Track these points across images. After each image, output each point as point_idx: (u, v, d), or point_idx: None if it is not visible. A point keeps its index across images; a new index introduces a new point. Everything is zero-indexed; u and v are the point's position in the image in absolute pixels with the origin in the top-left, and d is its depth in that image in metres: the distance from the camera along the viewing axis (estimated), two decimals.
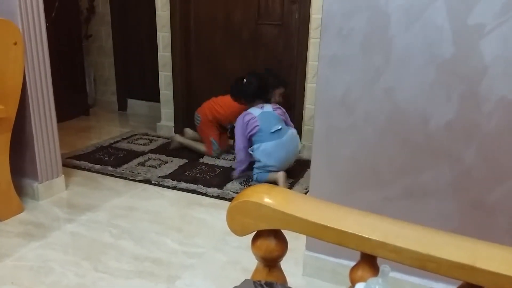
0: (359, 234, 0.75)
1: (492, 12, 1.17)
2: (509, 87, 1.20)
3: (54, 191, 2.27)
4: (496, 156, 1.27)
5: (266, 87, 2.65)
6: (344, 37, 1.37)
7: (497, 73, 1.21)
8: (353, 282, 0.77)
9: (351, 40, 1.36)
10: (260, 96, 2.60)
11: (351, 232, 0.76)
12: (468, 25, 1.20)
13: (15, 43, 1.93)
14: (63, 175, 2.32)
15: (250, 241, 0.89)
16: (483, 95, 1.24)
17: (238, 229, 0.90)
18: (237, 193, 2.28)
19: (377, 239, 0.73)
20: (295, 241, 1.81)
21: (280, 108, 2.60)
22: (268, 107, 2.53)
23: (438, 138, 1.32)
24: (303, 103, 2.93)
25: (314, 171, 1.54)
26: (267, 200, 0.86)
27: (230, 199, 2.22)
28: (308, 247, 1.62)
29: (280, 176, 2.40)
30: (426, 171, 1.37)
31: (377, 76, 1.36)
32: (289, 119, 2.63)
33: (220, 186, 2.41)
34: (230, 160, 2.82)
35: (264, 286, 0.85)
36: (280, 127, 2.45)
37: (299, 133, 2.87)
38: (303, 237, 1.75)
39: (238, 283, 0.84)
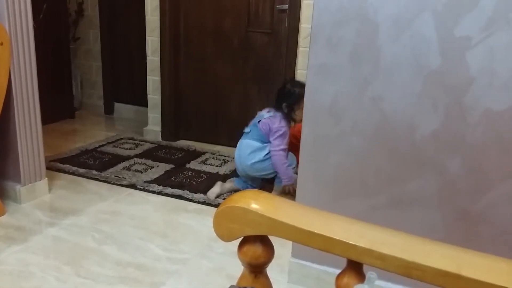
0: (346, 240, 0.75)
1: (479, 25, 1.20)
2: (494, 99, 1.22)
3: (37, 194, 2.22)
4: (481, 166, 1.29)
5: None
6: (333, 46, 1.38)
7: (482, 85, 1.23)
8: None
9: (340, 50, 1.38)
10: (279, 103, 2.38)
11: (338, 238, 0.76)
12: (455, 37, 1.23)
13: (1, 44, 1.90)
14: (46, 178, 2.28)
15: (236, 247, 0.89)
16: (468, 106, 1.26)
17: (224, 235, 0.90)
18: (223, 199, 2.27)
19: (363, 246, 0.73)
20: (281, 248, 1.80)
21: (273, 121, 2.33)
22: (266, 114, 2.39)
23: (424, 148, 1.34)
24: None
25: (301, 179, 1.54)
26: (254, 206, 0.86)
27: (216, 205, 2.20)
28: (294, 254, 1.62)
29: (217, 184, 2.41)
30: (412, 180, 1.38)
31: (365, 86, 1.37)
32: (277, 136, 2.31)
33: (206, 192, 2.39)
34: (217, 166, 2.81)
35: None
36: (248, 130, 2.40)
37: None
38: (288, 245, 1.74)
39: None
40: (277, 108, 2.38)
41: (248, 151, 2.35)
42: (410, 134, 1.34)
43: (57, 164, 2.67)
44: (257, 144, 2.35)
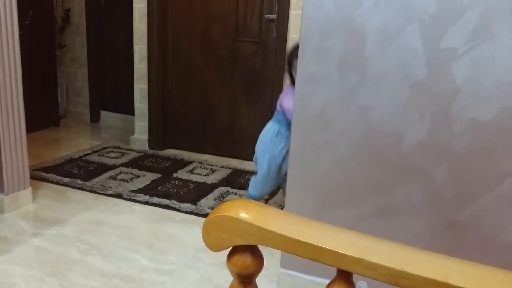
0: (335, 250, 0.74)
1: (463, 37, 1.22)
2: (479, 109, 1.25)
3: (20, 203, 2.17)
4: (466, 176, 1.31)
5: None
6: (321, 56, 1.39)
7: (467, 95, 1.25)
8: None
9: (328, 59, 1.39)
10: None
11: (327, 247, 0.75)
12: (441, 49, 1.25)
13: None
14: (30, 188, 2.23)
15: (223, 258, 0.88)
16: (454, 116, 1.28)
17: (213, 245, 0.89)
18: (211, 208, 2.25)
19: (353, 255, 0.73)
20: (269, 258, 1.79)
21: (282, 98, 2.09)
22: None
23: (410, 157, 1.35)
24: None
25: (290, 187, 1.54)
26: (243, 215, 0.85)
27: (204, 215, 2.19)
28: (283, 265, 1.61)
29: None
30: (399, 188, 1.39)
31: (353, 95, 1.38)
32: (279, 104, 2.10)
33: (194, 202, 2.37)
34: (204, 175, 2.79)
35: None
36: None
37: None
38: (277, 255, 1.74)
39: None
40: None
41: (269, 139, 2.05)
42: (397, 143, 1.36)
43: (41, 173, 2.62)
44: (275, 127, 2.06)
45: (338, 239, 0.79)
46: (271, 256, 1.80)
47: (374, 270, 0.71)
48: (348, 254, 0.73)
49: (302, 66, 1.43)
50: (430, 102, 1.29)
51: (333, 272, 0.79)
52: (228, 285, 0.91)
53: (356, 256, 0.73)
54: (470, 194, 1.31)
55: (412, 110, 1.32)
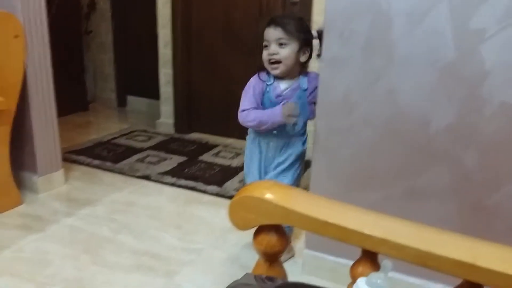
0: (361, 230, 0.76)
1: (494, 17, 1.19)
2: (510, 92, 1.22)
3: (53, 185, 2.27)
4: (495, 160, 1.29)
5: None
6: (345, 39, 1.38)
7: (497, 78, 1.22)
8: (354, 279, 0.78)
9: (352, 42, 1.38)
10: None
11: (353, 228, 0.77)
12: (470, 30, 1.22)
13: (16, 36, 1.93)
14: (62, 169, 2.32)
15: (249, 239, 0.91)
16: (483, 99, 1.25)
17: (239, 224, 0.91)
18: (236, 191, 2.29)
19: (379, 235, 0.74)
20: (294, 240, 1.83)
21: None
22: None
23: (438, 140, 1.34)
24: None
25: (314, 171, 1.55)
26: (268, 196, 0.87)
27: (229, 197, 2.23)
28: (308, 246, 1.64)
29: None
30: (426, 172, 1.38)
31: (378, 78, 1.37)
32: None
33: (219, 184, 2.42)
34: (229, 158, 2.83)
35: (265, 280, 0.86)
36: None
37: None
38: (301, 237, 1.76)
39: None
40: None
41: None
42: (424, 126, 1.34)
43: (72, 156, 2.71)
44: None
45: (363, 220, 0.80)
46: (296, 239, 1.83)
47: (401, 251, 0.72)
48: (374, 234, 0.75)
49: (325, 50, 1.42)
50: (459, 85, 1.27)
51: (359, 253, 0.80)
52: (254, 264, 0.95)
53: (382, 236, 0.74)
54: (498, 178, 1.30)
55: (439, 93, 1.30)
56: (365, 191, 1.48)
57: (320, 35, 1.51)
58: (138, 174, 2.51)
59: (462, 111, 1.29)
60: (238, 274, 0.88)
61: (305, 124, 1.64)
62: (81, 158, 2.70)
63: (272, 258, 0.93)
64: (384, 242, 0.73)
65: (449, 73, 1.28)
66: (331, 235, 0.79)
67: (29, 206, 2.09)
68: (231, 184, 2.43)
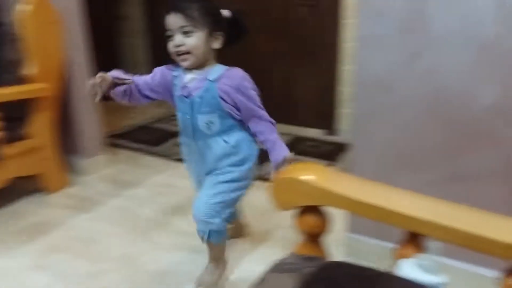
0: (407, 212, 0.75)
1: None
2: None
3: (98, 167, 2.38)
4: None
5: None
6: (381, 16, 1.35)
7: None
8: (397, 261, 0.78)
9: (388, 20, 1.35)
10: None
11: (399, 210, 0.77)
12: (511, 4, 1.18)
13: (53, 22, 1.96)
14: (106, 152, 2.42)
15: (292, 217, 0.93)
16: None
17: (281, 205, 0.94)
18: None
19: (427, 218, 0.73)
20: (334, 223, 1.83)
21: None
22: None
23: (482, 120, 1.30)
24: (335, 86, 2.91)
25: (355, 154, 1.55)
26: (309, 177, 0.88)
27: (268, 180, 2.25)
28: (349, 229, 1.65)
29: None
30: (472, 154, 1.34)
31: (417, 57, 1.34)
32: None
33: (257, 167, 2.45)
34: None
35: (309, 259, 0.89)
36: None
37: (333, 117, 2.84)
38: (341, 221, 1.77)
39: None
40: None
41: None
42: (466, 106, 1.31)
43: (113, 140, 2.82)
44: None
45: (407, 202, 0.80)
46: (336, 222, 1.84)
47: (450, 234, 0.71)
48: (420, 216, 0.74)
49: (361, 28, 1.40)
50: (502, 62, 1.23)
51: (401, 235, 0.80)
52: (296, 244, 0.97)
53: (429, 219, 0.73)
54: None
55: (482, 71, 1.27)
56: (407, 173, 1.46)
57: (235, 16, 1.37)
58: (176, 157, 2.58)
59: (506, 89, 1.25)
60: (281, 254, 0.91)
61: (233, 126, 1.43)
62: (122, 141, 2.80)
63: (314, 238, 0.95)
64: (431, 224, 0.72)
65: (491, 50, 1.24)
66: (376, 218, 0.79)
67: (77, 187, 2.20)
68: (269, 167, 2.45)
